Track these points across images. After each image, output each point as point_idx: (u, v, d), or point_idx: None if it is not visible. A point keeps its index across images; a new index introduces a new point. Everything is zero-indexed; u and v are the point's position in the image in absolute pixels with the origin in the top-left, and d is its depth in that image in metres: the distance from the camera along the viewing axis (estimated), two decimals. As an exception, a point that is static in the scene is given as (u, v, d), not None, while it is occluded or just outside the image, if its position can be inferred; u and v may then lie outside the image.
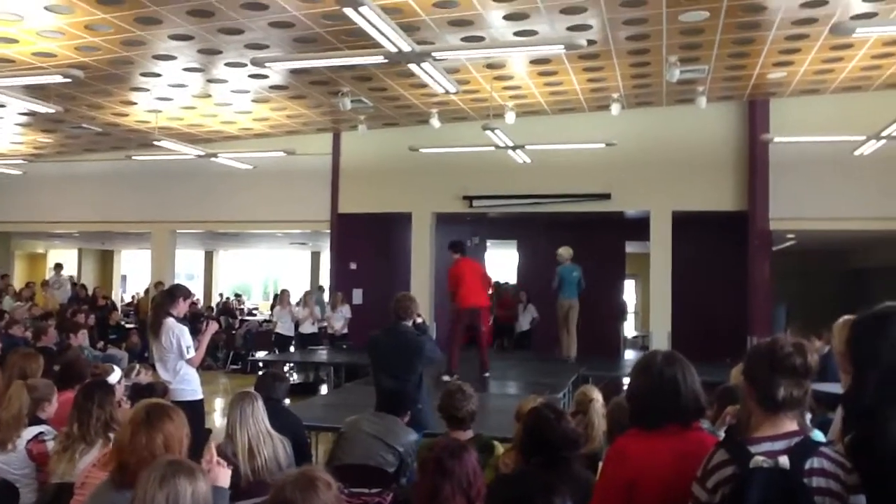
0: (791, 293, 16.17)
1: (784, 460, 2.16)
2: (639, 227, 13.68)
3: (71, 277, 18.29)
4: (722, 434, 4.21)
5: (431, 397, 6.01)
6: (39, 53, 9.26)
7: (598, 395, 4.85)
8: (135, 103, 12.09)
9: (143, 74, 10.45)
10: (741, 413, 2.68)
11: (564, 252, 12.33)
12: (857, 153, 11.24)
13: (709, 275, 14.20)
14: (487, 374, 9.96)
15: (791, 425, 2.27)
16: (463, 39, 8.81)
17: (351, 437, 4.91)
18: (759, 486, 2.12)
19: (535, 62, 10.29)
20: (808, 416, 3.33)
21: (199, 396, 6.33)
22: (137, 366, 8.00)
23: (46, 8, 7.82)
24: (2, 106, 11.73)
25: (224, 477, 3.06)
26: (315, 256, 25.63)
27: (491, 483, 2.71)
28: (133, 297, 22.74)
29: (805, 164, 12.28)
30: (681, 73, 9.90)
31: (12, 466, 4.14)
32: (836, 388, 3.47)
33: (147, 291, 17.41)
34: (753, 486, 2.12)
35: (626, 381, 11.47)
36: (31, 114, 12.24)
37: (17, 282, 18.72)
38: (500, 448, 4.60)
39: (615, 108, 11.73)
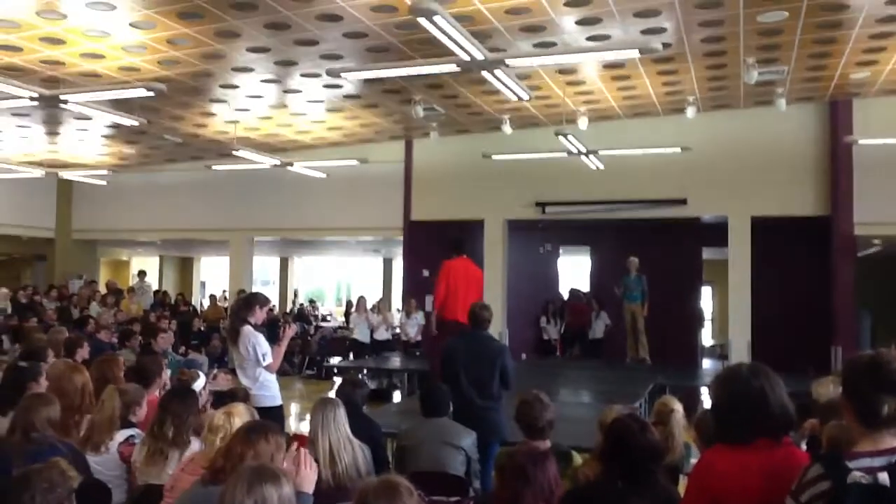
0: (877, 302, 15.61)
1: (884, 477, 2.08)
2: (716, 233, 13.41)
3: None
4: (804, 447, 4.10)
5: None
6: (124, 68, 9.61)
7: (678, 406, 4.78)
8: (214, 114, 12.42)
9: (222, 86, 10.73)
10: (837, 428, 2.60)
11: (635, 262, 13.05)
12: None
13: (789, 282, 13.82)
14: None
15: (892, 441, 2.19)
16: (535, 45, 8.78)
17: (413, 448, 4.94)
18: (856, 503, 2.05)
19: (608, 66, 10.19)
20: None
21: (279, 402, 6.42)
22: (216, 370, 8.23)
23: (131, 24, 8.10)
24: (89, 118, 12.19)
25: (310, 481, 3.12)
26: (387, 263, 25.87)
27: (564, 494, 2.68)
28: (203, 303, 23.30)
29: (891, 167, 11.84)
30: (759, 75, 9.67)
31: (105, 468, 4.28)
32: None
33: (213, 298, 17.86)
34: (850, 502, 2.05)
35: (705, 390, 11.29)
36: (116, 126, 12.69)
37: (103, 288, 19.37)
38: (578, 458, 4.56)
39: (690, 112, 11.52)
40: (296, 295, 24.98)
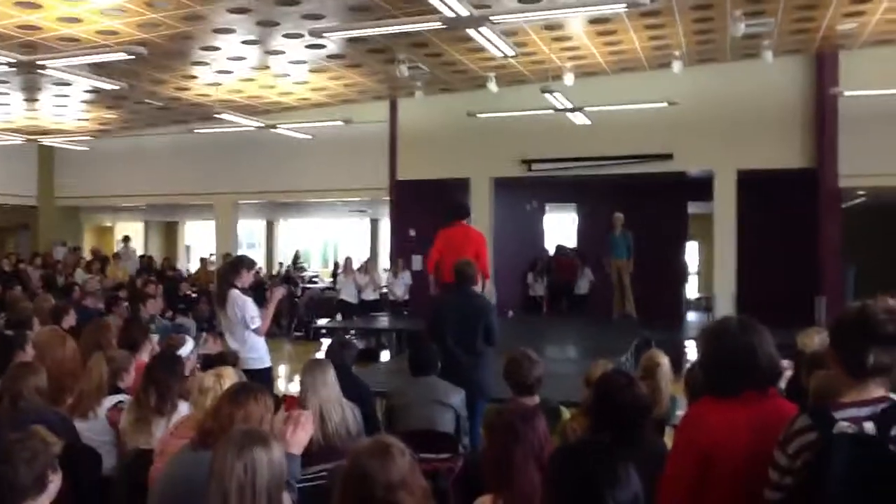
0: (860, 253, 15.71)
1: (869, 426, 2.11)
2: (702, 187, 13.42)
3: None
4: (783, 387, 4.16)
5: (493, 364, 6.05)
6: (103, 32, 9.43)
7: (664, 360, 4.81)
8: (195, 77, 12.25)
9: (203, 49, 10.58)
10: (824, 378, 2.62)
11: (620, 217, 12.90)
12: (932, 105, 10.81)
13: (775, 235, 13.88)
14: None
15: (878, 391, 2.21)
16: (520, 1, 8.67)
17: (403, 406, 4.95)
18: (842, 453, 2.07)
19: (594, 22, 10.09)
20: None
21: (268, 364, 6.43)
22: (205, 335, 8.23)
23: (108, -14, 7.95)
24: (68, 84, 12.00)
25: (300, 444, 3.12)
26: (374, 224, 25.81)
27: (553, 453, 2.70)
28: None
29: (876, 119, 11.83)
30: (746, 28, 9.58)
31: (95, 433, 4.28)
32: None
33: (203, 261, 17.81)
34: (837, 452, 2.08)
35: (690, 343, 11.38)
36: (96, 91, 12.52)
37: (87, 254, 19.27)
38: (566, 413, 4.60)
39: (677, 66, 11.44)
40: (297, 256, 24.96)
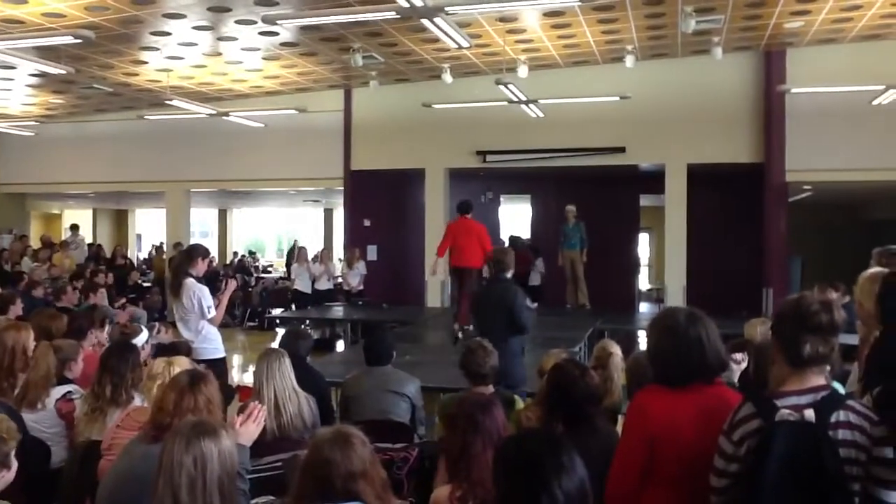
0: (806, 245, 16.12)
1: (810, 413, 2.19)
2: (653, 181, 13.62)
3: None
4: (735, 380, 4.27)
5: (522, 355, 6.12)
6: (49, 14, 9.20)
7: (617, 350, 4.90)
8: (145, 62, 12.03)
9: (153, 33, 10.38)
10: (769, 368, 2.70)
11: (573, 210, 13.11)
12: (874, 103, 11.11)
13: (724, 227, 14.19)
14: (457, 328, 8.94)
15: (818, 380, 2.30)
16: (475, -8, 8.68)
17: (358, 396, 4.96)
18: (784, 439, 2.15)
19: (548, 15, 10.15)
20: (827, 369, 3.36)
21: (222, 354, 6.41)
22: (157, 325, 8.13)
23: (56, -33, 7.76)
24: (12, 67, 11.69)
25: (250, 436, 3.10)
26: (328, 213, 25.65)
27: (506, 439, 2.75)
28: (149, 253, 22.77)
29: (822, 115, 12.14)
30: (696, 24, 9.73)
31: (43, 425, 4.22)
32: (852, 339, 3.51)
33: (158, 249, 17.51)
34: (779, 438, 2.15)
35: (641, 334, 11.57)
36: (42, 75, 12.21)
37: (34, 242, 18.85)
38: (520, 402, 4.66)
39: (629, 61, 11.57)
40: (294, 245, 24.71)
